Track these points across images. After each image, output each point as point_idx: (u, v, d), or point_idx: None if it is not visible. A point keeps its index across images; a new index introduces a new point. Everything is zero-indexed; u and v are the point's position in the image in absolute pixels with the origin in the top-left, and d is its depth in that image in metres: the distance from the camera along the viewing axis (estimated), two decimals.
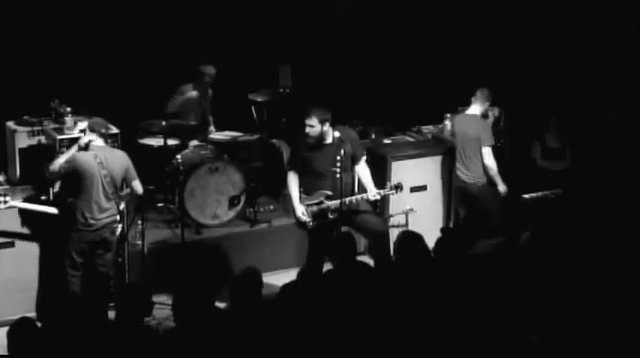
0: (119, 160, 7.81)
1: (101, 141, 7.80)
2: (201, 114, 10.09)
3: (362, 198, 8.07)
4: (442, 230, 7.49)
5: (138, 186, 7.91)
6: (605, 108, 9.59)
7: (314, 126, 7.92)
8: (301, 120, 8.14)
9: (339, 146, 7.90)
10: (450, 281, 6.54)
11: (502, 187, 9.00)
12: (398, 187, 8.12)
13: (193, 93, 9.98)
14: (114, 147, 8.16)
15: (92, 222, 7.69)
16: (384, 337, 6.06)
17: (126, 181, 7.84)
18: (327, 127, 7.96)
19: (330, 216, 8.03)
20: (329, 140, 8.00)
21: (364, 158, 8.35)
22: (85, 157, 7.66)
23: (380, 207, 9.24)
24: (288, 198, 8.50)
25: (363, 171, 8.25)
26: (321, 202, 8.03)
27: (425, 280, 6.58)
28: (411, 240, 6.89)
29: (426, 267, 6.75)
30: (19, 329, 5.68)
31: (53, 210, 7.86)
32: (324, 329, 6.02)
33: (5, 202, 7.62)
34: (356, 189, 8.32)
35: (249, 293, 6.25)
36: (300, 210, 8.07)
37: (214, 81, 10.12)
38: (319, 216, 8.05)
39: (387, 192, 8.17)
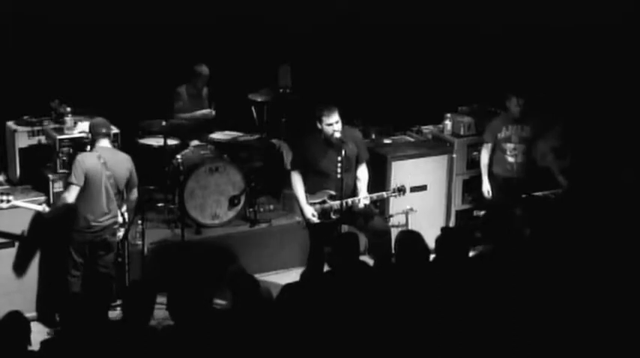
0: (124, 163, 7.80)
1: (107, 142, 7.78)
2: (197, 109, 10.14)
3: (353, 201, 8.02)
4: (443, 229, 7.45)
5: (136, 192, 7.91)
6: (624, 171, 9.53)
7: (337, 121, 7.86)
8: (302, 120, 8.13)
9: (340, 147, 7.88)
10: (449, 280, 6.54)
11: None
12: (401, 190, 8.12)
13: (182, 91, 10.01)
14: (114, 147, 8.16)
15: (93, 223, 7.68)
16: (385, 336, 6.06)
17: (127, 186, 7.81)
18: None
19: (333, 216, 8.00)
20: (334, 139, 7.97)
21: (366, 160, 8.35)
22: (90, 158, 7.65)
23: (380, 206, 9.23)
24: (288, 197, 8.49)
25: (362, 173, 8.21)
26: (324, 201, 8.01)
27: (424, 279, 6.58)
28: (410, 239, 6.88)
29: (425, 267, 6.74)
30: (8, 323, 5.69)
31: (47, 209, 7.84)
32: (325, 329, 6.02)
33: (8, 201, 7.60)
34: (358, 192, 8.29)
35: (249, 291, 6.25)
36: (310, 211, 8.01)
37: (210, 80, 10.14)
38: (322, 215, 8.03)
39: (389, 195, 8.17)
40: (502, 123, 9.26)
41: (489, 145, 9.32)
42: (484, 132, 9.45)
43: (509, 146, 9.21)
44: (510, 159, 9.22)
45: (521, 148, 9.21)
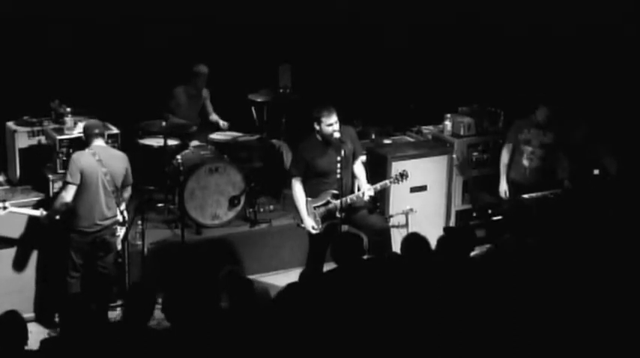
0: (120, 161, 7.80)
1: (101, 141, 7.79)
2: (197, 112, 10.13)
3: (357, 196, 8.03)
4: (445, 229, 7.44)
5: (129, 191, 7.91)
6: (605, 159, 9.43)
7: (336, 121, 7.86)
8: (302, 120, 8.11)
9: (339, 146, 7.88)
10: (451, 280, 6.54)
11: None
12: (403, 175, 8.09)
13: (180, 91, 10.02)
14: (114, 147, 8.18)
15: (95, 223, 7.67)
16: (385, 336, 6.06)
17: (122, 183, 7.81)
18: None
19: (338, 216, 7.98)
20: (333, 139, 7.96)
21: (362, 157, 8.34)
22: (85, 156, 7.65)
23: (380, 206, 9.23)
24: (288, 198, 8.46)
25: (359, 168, 8.22)
26: (328, 202, 7.99)
27: (426, 279, 6.58)
28: (416, 241, 6.88)
29: (427, 266, 6.74)
30: (4, 323, 5.70)
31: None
32: (323, 330, 6.02)
33: (4, 208, 7.58)
34: (356, 188, 8.30)
35: (242, 292, 6.26)
36: (310, 223, 7.99)
37: (209, 80, 10.15)
38: (328, 216, 8.01)
39: (392, 182, 8.14)
40: (525, 125, 9.17)
41: (510, 145, 9.25)
42: (507, 132, 9.38)
43: (527, 149, 9.13)
44: (525, 163, 9.15)
45: (539, 153, 9.11)
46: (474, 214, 9.81)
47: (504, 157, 9.30)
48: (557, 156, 9.13)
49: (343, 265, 6.85)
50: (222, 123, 10.30)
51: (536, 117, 9.09)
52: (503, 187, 9.29)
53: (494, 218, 9.57)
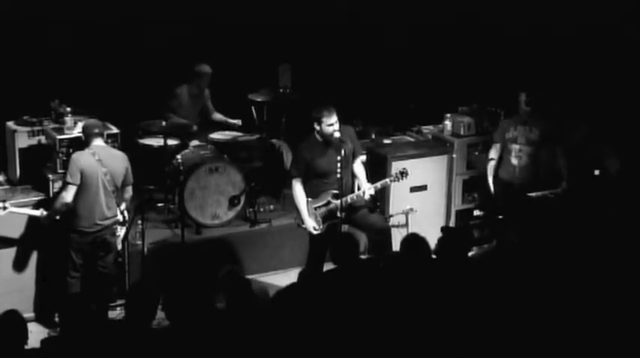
0: (120, 160, 7.81)
1: (101, 141, 7.79)
2: (198, 112, 10.12)
3: (357, 195, 8.03)
4: (443, 229, 7.45)
5: (130, 190, 7.91)
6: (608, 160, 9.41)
7: (335, 121, 7.87)
8: (302, 120, 8.11)
9: (339, 146, 7.89)
10: (449, 280, 6.54)
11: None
12: (403, 173, 8.09)
13: (182, 91, 9.99)
14: (114, 147, 8.18)
15: (96, 223, 7.67)
16: (383, 336, 6.06)
17: (122, 184, 7.81)
18: None
19: (339, 215, 7.98)
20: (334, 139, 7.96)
21: (362, 156, 8.34)
22: (84, 156, 7.65)
23: (380, 206, 9.24)
24: (288, 197, 8.47)
25: (359, 168, 8.23)
26: (329, 202, 8.00)
27: (425, 278, 6.58)
28: (416, 241, 6.88)
29: (426, 266, 6.74)
30: (4, 322, 5.70)
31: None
32: (323, 329, 6.02)
33: (4, 208, 7.58)
34: (356, 188, 8.30)
35: (241, 293, 6.25)
36: (311, 224, 8.01)
37: (211, 80, 10.14)
38: (328, 216, 8.01)
39: (392, 180, 8.14)
40: (511, 124, 9.20)
41: (498, 145, 9.27)
42: (494, 132, 9.43)
43: (515, 147, 9.14)
44: (514, 161, 9.17)
45: (526, 150, 9.12)
46: (479, 212, 9.81)
47: (491, 157, 9.31)
48: (554, 154, 9.14)
49: (342, 266, 6.85)
50: (233, 121, 10.24)
51: (519, 110, 9.11)
52: (491, 187, 9.31)
53: (495, 217, 9.57)
